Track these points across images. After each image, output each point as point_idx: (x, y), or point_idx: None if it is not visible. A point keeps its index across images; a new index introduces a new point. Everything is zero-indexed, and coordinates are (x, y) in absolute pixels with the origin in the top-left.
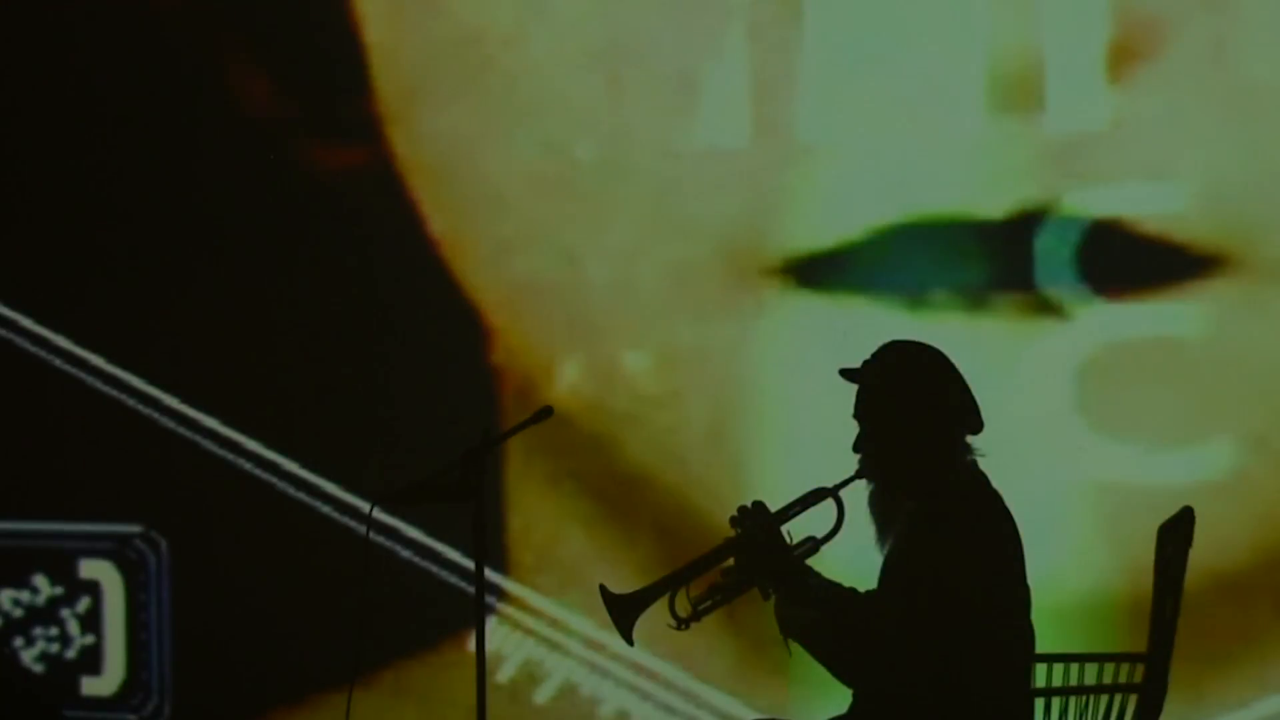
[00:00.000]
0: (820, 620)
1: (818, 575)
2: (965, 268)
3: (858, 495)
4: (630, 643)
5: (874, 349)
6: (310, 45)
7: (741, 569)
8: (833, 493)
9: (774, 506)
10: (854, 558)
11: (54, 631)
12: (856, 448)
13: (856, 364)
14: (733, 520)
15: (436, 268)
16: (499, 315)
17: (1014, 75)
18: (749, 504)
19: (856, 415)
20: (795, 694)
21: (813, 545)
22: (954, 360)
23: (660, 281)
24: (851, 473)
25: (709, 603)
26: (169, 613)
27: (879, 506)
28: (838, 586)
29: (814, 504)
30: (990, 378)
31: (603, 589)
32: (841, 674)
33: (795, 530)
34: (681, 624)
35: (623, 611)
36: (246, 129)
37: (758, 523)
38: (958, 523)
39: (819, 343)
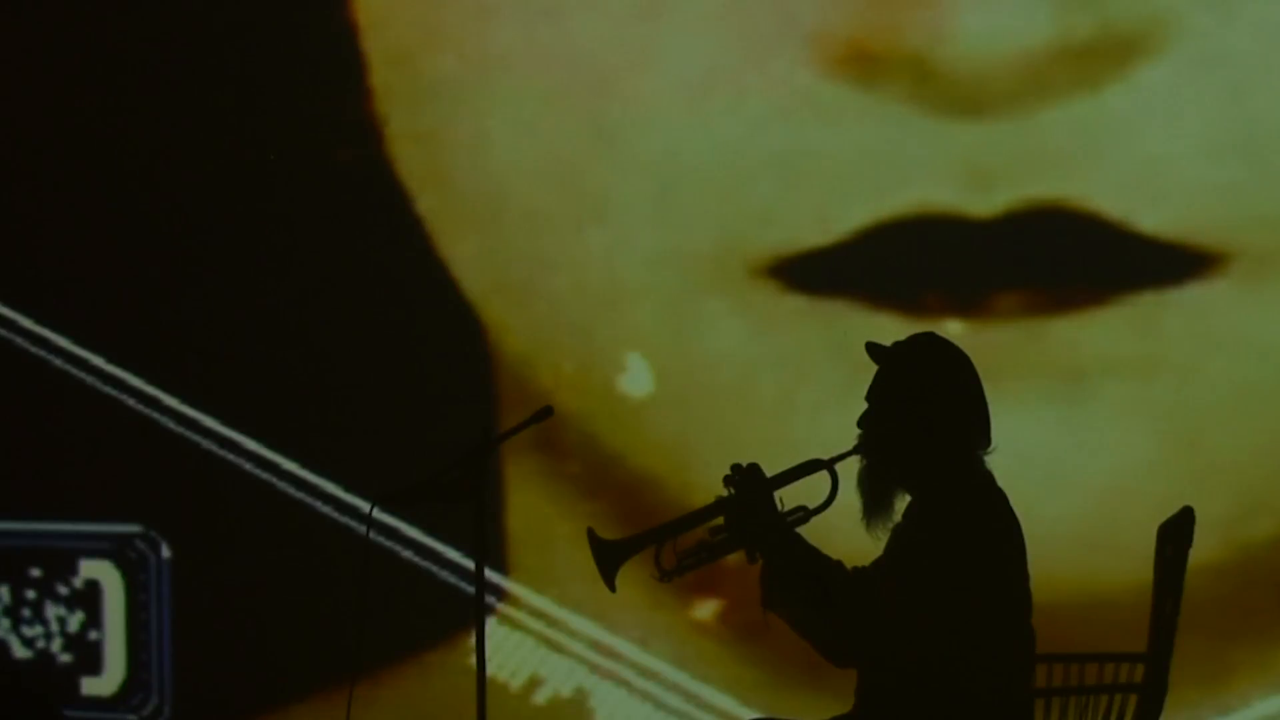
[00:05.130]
0: (806, 593)
1: (806, 543)
2: (962, 267)
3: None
4: (613, 589)
5: (876, 347)
6: (310, 47)
7: (730, 529)
8: (828, 465)
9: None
10: (849, 532)
11: (54, 631)
12: (860, 424)
13: (855, 365)
14: (726, 480)
15: (436, 267)
16: (499, 315)
17: (1013, 74)
18: (743, 465)
19: (868, 393)
20: (795, 694)
21: (804, 515)
22: (977, 373)
23: (660, 282)
24: (849, 447)
25: (694, 559)
26: (169, 613)
27: (867, 485)
28: (825, 558)
29: (808, 474)
30: (988, 379)
31: (590, 533)
32: (821, 647)
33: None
34: (665, 576)
35: (609, 558)
36: (246, 129)
37: (750, 485)
38: (960, 520)
39: (817, 344)
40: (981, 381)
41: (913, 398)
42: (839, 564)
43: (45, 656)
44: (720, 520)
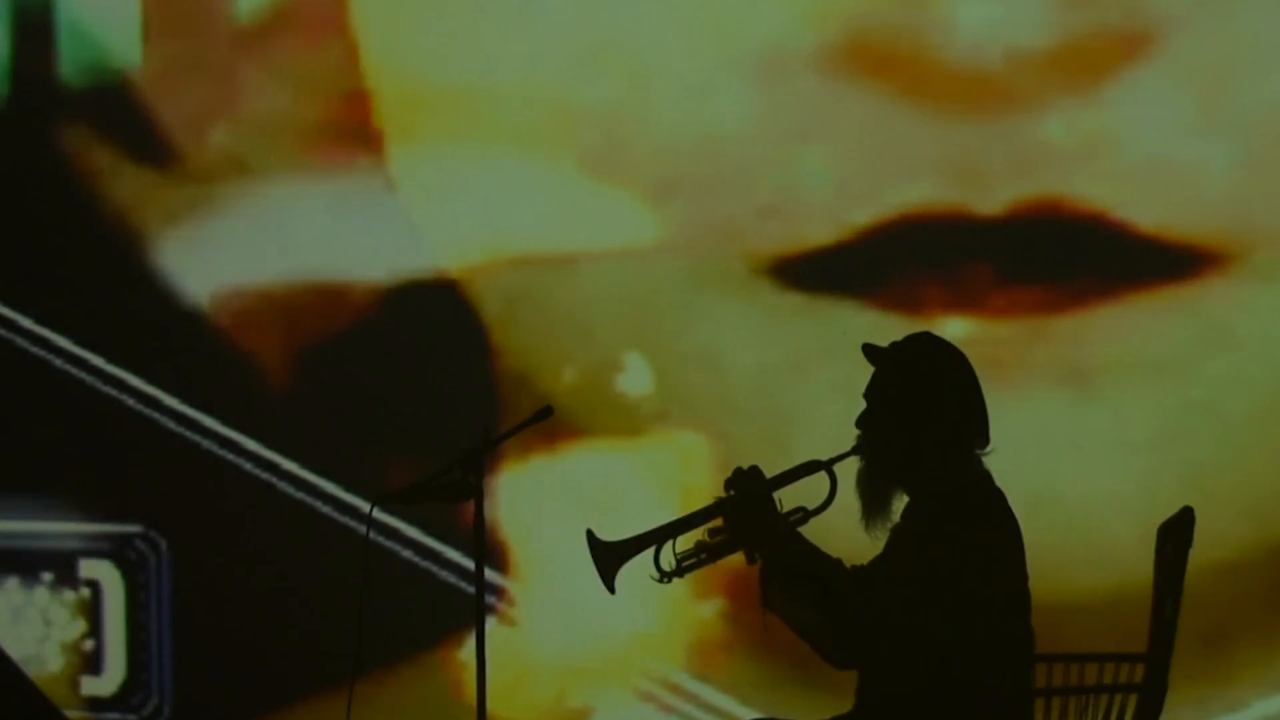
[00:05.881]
0: (805, 594)
1: (806, 543)
2: (962, 267)
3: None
4: (613, 591)
5: (872, 348)
6: (311, 50)
7: (730, 530)
8: (826, 466)
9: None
10: (849, 532)
11: (53, 631)
12: (858, 424)
13: (855, 364)
14: (726, 481)
15: (436, 268)
16: (500, 315)
17: (1013, 73)
18: (744, 466)
19: (866, 394)
20: (795, 694)
21: (803, 515)
22: (974, 373)
23: (660, 281)
24: (847, 448)
25: (694, 560)
26: (169, 613)
27: (866, 486)
28: (825, 557)
29: (807, 475)
30: (988, 378)
31: (590, 534)
32: (820, 649)
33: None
34: (664, 577)
35: (608, 559)
36: (245, 127)
37: (750, 486)
38: (958, 520)
39: (818, 343)
40: (979, 381)
41: (911, 398)
42: (839, 562)
43: (45, 657)
44: (720, 521)
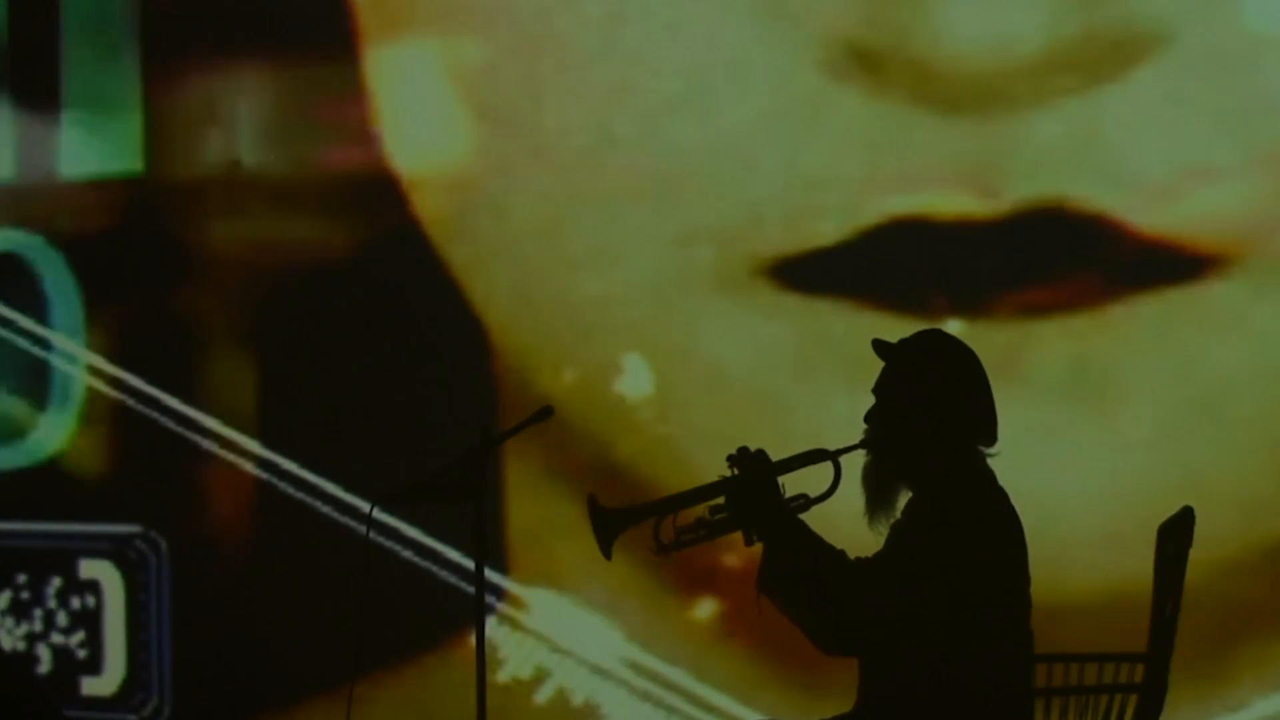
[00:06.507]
0: (800, 579)
1: (807, 529)
2: (963, 268)
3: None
4: (608, 558)
5: (882, 344)
6: (313, 50)
7: (730, 509)
8: (832, 456)
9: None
10: (851, 529)
11: (54, 632)
12: (866, 418)
13: (855, 365)
14: (730, 460)
15: (437, 268)
16: (498, 315)
17: (1014, 73)
18: (749, 447)
19: (874, 389)
20: (795, 694)
21: (805, 502)
22: (984, 371)
23: (659, 282)
24: (855, 441)
25: (693, 535)
26: (169, 613)
27: (871, 480)
28: (824, 545)
29: (813, 463)
30: (989, 378)
31: (591, 499)
32: (812, 635)
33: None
34: (662, 550)
35: (607, 526)
36: (245, 126)
37: (753, 467)
38: (961, 517)
39: (818, 344)
40: (987, 382)
41: (917, 394)
42: (841, 553)
43: (44, 656)
44: (721, 500)
